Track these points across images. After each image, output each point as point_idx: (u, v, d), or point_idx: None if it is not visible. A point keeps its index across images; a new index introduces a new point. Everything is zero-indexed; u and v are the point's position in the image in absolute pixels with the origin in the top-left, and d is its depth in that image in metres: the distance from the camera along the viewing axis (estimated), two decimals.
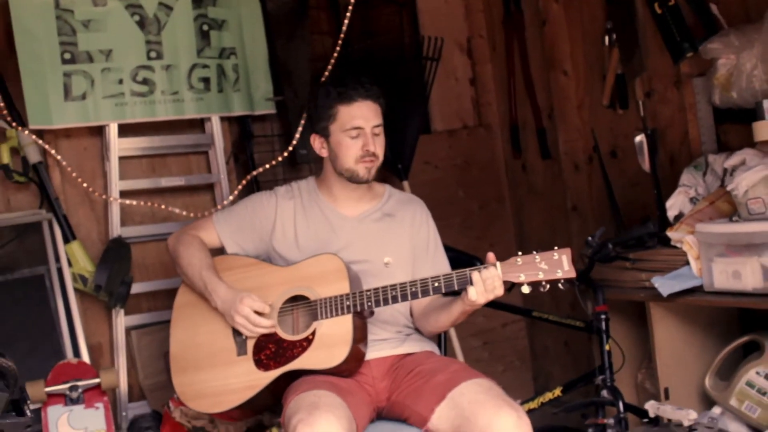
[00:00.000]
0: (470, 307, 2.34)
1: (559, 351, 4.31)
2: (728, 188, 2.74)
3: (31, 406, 1.48)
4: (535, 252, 2.26)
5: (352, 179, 2.55)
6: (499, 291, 2.27)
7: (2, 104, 3.17)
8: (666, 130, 3.49)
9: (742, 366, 2.88)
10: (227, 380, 2.48)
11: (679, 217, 3.04)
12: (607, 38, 3.68)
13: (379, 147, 2.55)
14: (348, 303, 2.37)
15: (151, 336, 3.47)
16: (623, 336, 3.16)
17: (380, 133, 2.57)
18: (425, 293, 2.32)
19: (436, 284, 2.31)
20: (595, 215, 3.97)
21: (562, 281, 2.25)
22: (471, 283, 2.26)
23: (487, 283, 2.25)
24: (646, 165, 3.44)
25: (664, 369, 3.01)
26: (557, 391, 3.07)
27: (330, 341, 2.38)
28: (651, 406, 2.78)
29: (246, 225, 2.65)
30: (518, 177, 4.45)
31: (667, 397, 2.98)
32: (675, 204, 3.08)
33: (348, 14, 3.54)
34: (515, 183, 4.49)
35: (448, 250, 2.78)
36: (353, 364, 2.42)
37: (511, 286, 2.45)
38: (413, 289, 2.33)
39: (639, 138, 3.48)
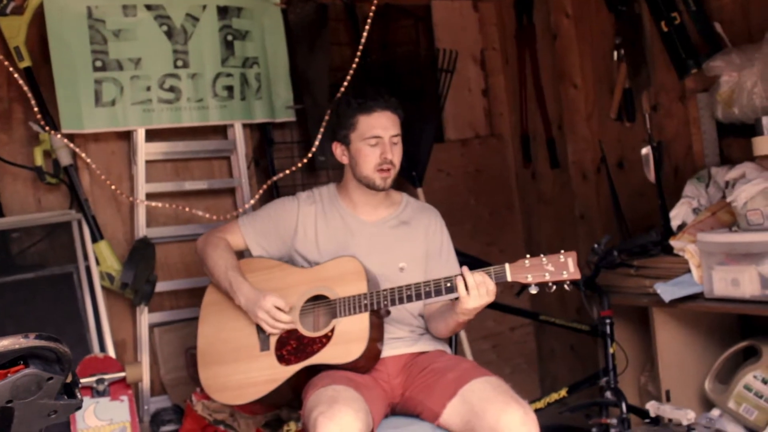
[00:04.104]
0: (463, 314, 2.44)
1: (565, 354, 4.42)
2: (728, 200, 2.86)
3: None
4: (542, 255, 2.37)
5: (370, 186, 2.68)
6: (486, 297, 2.36)
7: (36, 109, 3.29)
8: (671, 143, 3.61)
9: (741, 370, 3.00)
10: (250, 374, 2.60)
11: (682, 227, 3.14)
12: (615, 53, 3.80)
13: (396, 156, 2.68)
14: (365, 302, 2.50)
15: (173, 333, 3.59)
16: (627, 340, 3.27)
17: (398, 142, 2.70)
18: (438, 293, 2.44)
19: (448, 284, 2.42)
20: (602, 223, 4.08)
21: (568, 282, 2.36)
22: (460, 288, 2.37)
23: (471, 290, 2.36)
24: (651, 176, 3.54)
25: (665, 372, 3.11)
26: (563, 392, 3.19)
27: (348, 337, 2.50)
28: (652, 406, 2.89)
29: (270, 229, 2.77)
30: (528, 185, 4.57)
31: (668, 399, 3.09)
32: (678, 214, 3.19)
33: (367, 26, 3.65)
34: (525, 191, 4.60)
35: (462, 255, 2.90)
36: (370, 360, 2.54)
37: (521, 290, 2.57)
38: (427, 289, 2.45)
39: (645, 150, 3.59)
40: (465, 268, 2.39)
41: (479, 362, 2.66)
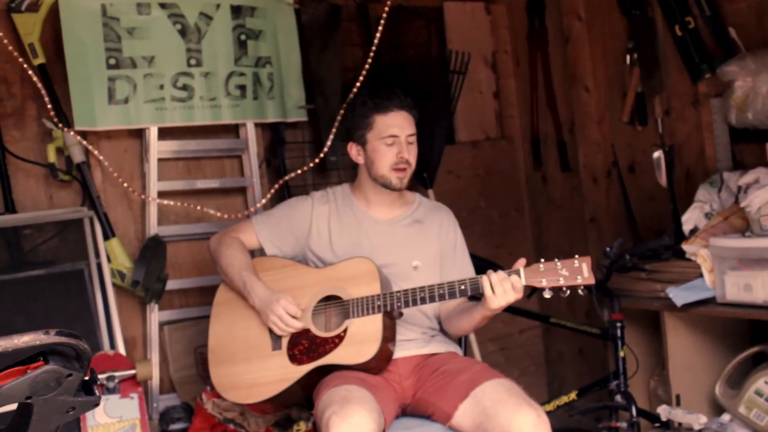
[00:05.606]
0: (489, 311, 2.43)
1: (573, 357, 4.41)
2: (742, 205, 2.85)
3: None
4: (556, 259, 2.36)
5: (386, 186, 2.68)
6: (512, 295, 2.36)
7: (50, 106, 3.29)
8: (683, 147, 3.60)
9: (752, 375, 2.99)
10: (262, 373, 2.60)
11: (694, 231, 3.14)
12: (628, 57, 3.80)
13: (412, 155, 2.69)
14: (379, 303, 2.50)
15: (183, 331, 3.59)
16: (637, 344, 3.26)
17: (414, 141, 2.70)
18: (452, 296, 2.44)
19: (462, 287, 2.42)
20: (612, 227, 4.08)
21: (582, 287, 2.35)
22: (486, 288, 2.37)
23: (496, 287, 2.35)
24: (663, 180, 3.51)
25: (676, 376, 3.11)
26: (573, 395, 3.18)
27: (360, 338, 2.50)
28: (663, 410, 2.89)
29: (284, 228, 2.77)
30: (538, 188, 4.56)
31: (678, 404, 3.08)
32: (690, 218, 3.18)
33: (380, 27, 3.65)
34: (535, 194, 4.60)
35: (472, 257, 2.90)
36: (382, 361, 2.54)
37: (531, 292, 2.56)
38: (440, 292, 2.45)
39: (657, 154, 3.55)
40: (490, 271, 2.38)
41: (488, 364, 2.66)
